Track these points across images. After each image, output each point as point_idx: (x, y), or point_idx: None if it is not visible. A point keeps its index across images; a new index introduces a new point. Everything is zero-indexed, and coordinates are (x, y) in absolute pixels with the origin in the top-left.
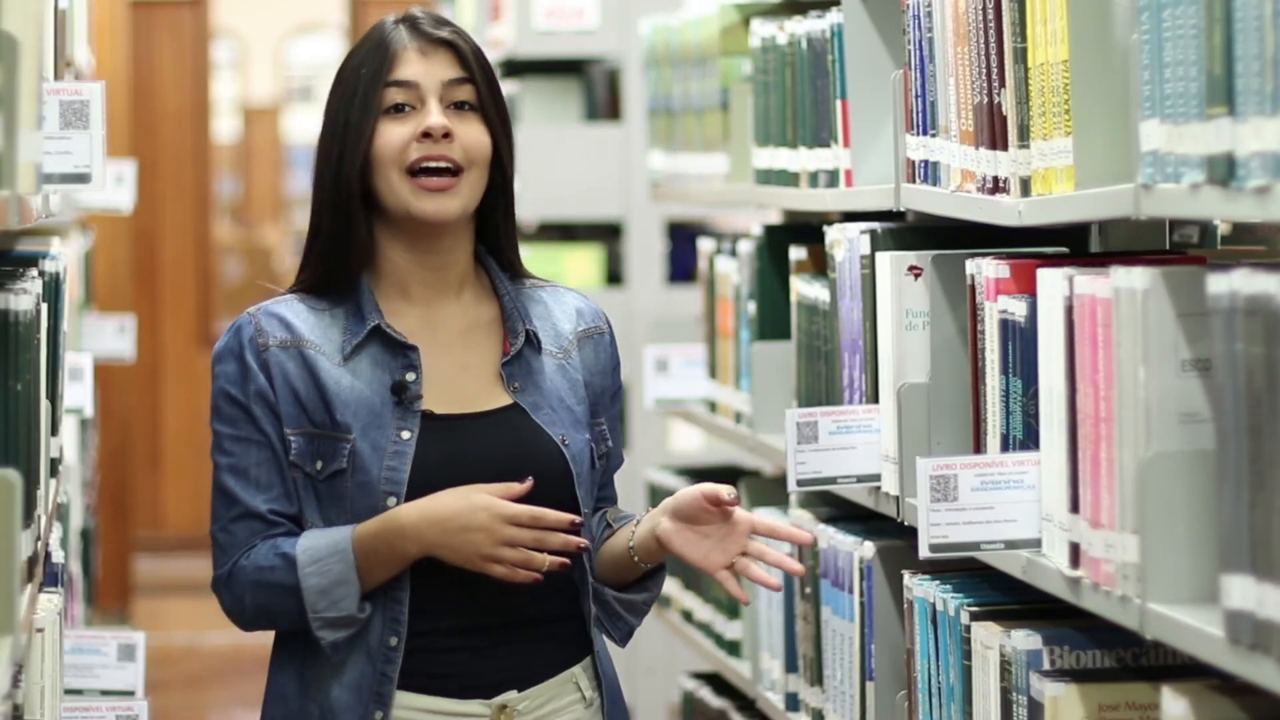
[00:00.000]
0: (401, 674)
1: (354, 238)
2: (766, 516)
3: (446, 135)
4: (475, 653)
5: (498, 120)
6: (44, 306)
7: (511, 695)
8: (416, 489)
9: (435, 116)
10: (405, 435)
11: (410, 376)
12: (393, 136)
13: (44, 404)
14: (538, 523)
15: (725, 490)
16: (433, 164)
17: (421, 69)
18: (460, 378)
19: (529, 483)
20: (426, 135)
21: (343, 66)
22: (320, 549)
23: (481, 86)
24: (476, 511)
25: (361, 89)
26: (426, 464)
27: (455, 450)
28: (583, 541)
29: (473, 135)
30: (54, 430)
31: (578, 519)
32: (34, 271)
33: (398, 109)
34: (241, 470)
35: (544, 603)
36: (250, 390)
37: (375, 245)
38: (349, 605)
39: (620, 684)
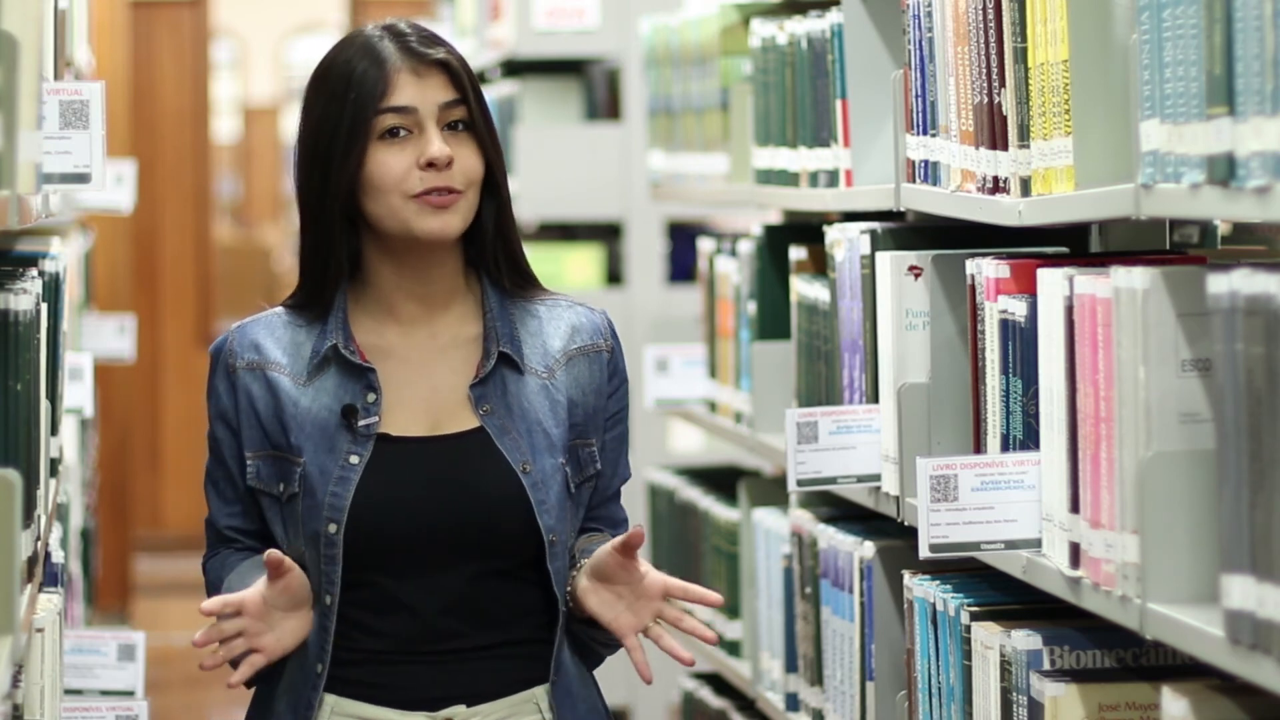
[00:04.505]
0: (347, 682)
1: (334, 257)
2: (677, 580)
3: (449, 163)
4: (422, 667)
5: (488, 137)
6: (44, 306)
7: (459, 710)
8: (359, 514)
9: (439, 146)
10: (354, 460)
11: (370, 398)
12: (393, 165)
13: (44, 404)
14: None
15: (632, 533)
16: (436, 193)
17: (417, 93)
18: (431, 399)
19: (287, 574)
20: (430, 164)
21: (325, 79)
22: (231, 590)
23: (474, 105)
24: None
25: (350, 113)
26: (371, 489)
27: (403, 476)
28: (249, 665)
29: (468, 157)
30: (54, 430)
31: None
32: (34, 271)
33: (393, 133)
34: (215, 480)
35: (500, 628)
36: (215, 410)
37: (363, 262)
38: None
39: (603, 706)
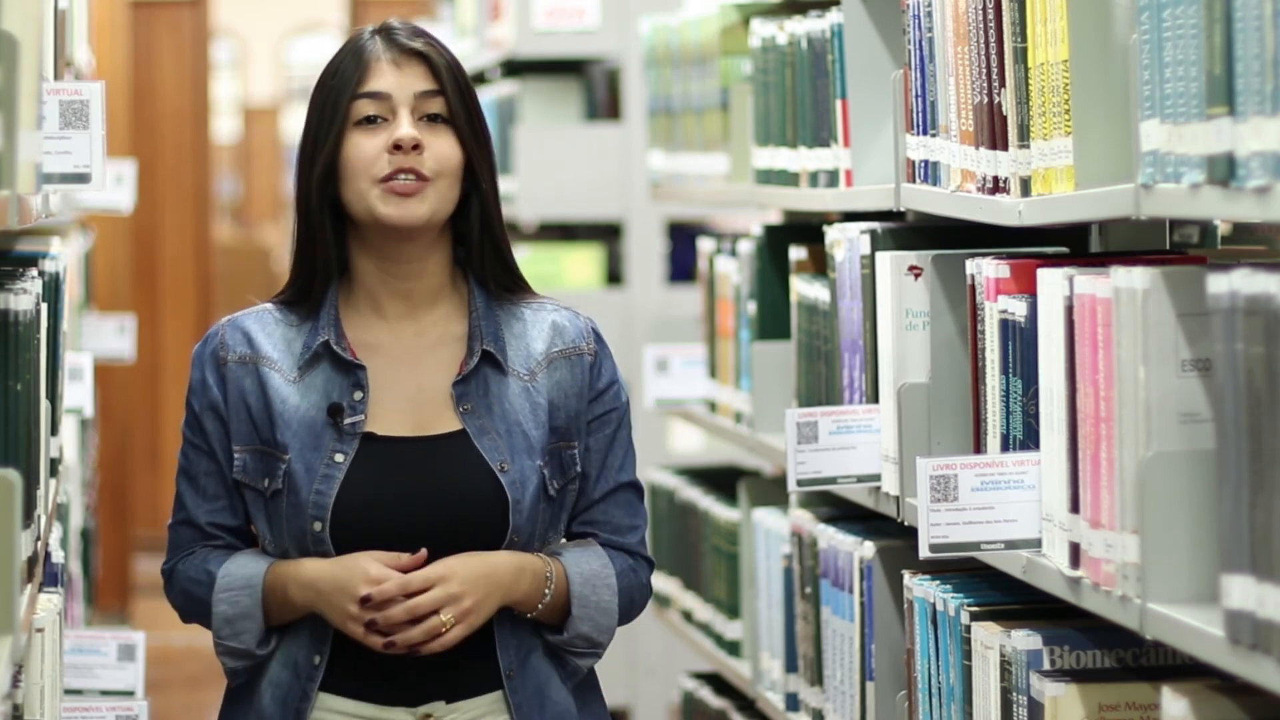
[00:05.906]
0: (330, 677)
1: (320, 248)
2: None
3: (416, 147)
4: (403, 663)
5: (470, 134)
6: (44, 306)
7: (438, 706)
8: (343, 513)
9: (405, 128)
10: (339, 458)
11: (357, 396)
12: (364, 149)
13: (44, 404)
14: (405, 590)
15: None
16: (402, 175)
17: (393, 80)
18: (416, 398)
19: (422, 553)
20: (397, 147)
21: (320, 76)
22: (236, 579)
23: (453, 99)
24: (354, 573)
25: (332, 99)
26: (354, 488)
27: (386, 476)
28: (434, 644)
29: (443, 147)
30: (54, 430)
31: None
32: (34, 271)
33: (369, 120)
34: (193, 476)
35: (481, 625)
36: (204, 402)
37: (348, 257)
38: (249, 640)
39: (576, 710)
